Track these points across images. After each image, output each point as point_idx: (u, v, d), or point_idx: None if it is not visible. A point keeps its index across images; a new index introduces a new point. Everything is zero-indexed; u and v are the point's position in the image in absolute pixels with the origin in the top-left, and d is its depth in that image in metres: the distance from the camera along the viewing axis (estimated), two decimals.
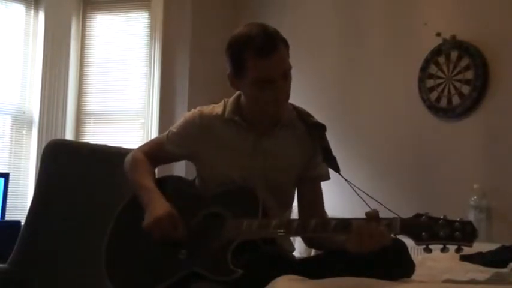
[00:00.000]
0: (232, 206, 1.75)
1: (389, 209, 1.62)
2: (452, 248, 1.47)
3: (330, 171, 1.91)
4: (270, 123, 1.88)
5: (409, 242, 1.69)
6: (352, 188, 1.74)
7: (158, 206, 1.76)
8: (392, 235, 1.54)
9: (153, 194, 1.82)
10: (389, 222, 1.52)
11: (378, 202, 1.65)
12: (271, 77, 1.73)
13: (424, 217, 1.49)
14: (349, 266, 1.56)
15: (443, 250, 1.46)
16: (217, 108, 1.92)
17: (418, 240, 1.48)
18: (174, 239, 1.73)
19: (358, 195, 1.72)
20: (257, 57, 1.72)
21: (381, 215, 1.55)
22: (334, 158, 1.87)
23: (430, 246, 1.48)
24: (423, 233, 1.47)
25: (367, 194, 1.70)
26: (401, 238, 1.56)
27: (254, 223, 1.68)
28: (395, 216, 1.53)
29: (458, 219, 1.46)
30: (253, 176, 1.83)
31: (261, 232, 1.68)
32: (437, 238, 1.46)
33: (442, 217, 1.48)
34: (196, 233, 1.75)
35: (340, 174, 1.83)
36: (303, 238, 1.90)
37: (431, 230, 1.47)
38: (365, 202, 1.63)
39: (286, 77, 1.77)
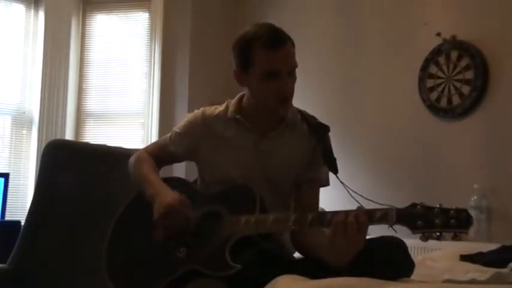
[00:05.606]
0: (230, 203, 1.76)
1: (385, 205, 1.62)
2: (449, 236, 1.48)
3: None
4: (272, 123, 1.89)
5: (409, 241, 1.70)
6: (348, 192, 1.74)
7: (167, 194, 1.76)
8: (391, 230, 1.55)
9: (158, 185, 1.82)
10: (385, 212, 1.53)
11: (375, 202, 1.65)
12: (278, 70, 1.77)
13: (419, 206, 1.51)
14: (349, 266, 1.56)
15: (440, 238, 1.47)
16: (220, 108, 1.94)
17: (413, 229, 1.49)
18: (184, 230, 1.72)
19: (353, 198, 1.72)
20: (265, 49, 1.76)
21: None
22: (334, 159, 1.88)
23: (426, 235, 1.48)
24: (418, 222, 1.48)
25: (364, 197, 1.70)
26: (397, 228, 1.55)
27: (252, 219, 1.69)
28: (391, 206, 1.54)
29: (453, 207, 1.47)
30: (253, 176, 1.83)
31: (258, 227, 1.68)
32: (433, 226, 1.47)
33: (437, 206, 1.49)
34: (195, 231, 1.75)
35: (337, 176, 1.83)
36: (290, 235, 1.88)
37: (426, 218, 1.48)
38: (361, 205, 1.63)
39: (291, 74, 1.81)
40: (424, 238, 1.48)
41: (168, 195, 1.76)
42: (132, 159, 1.99)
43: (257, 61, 1.78)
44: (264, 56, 1.77)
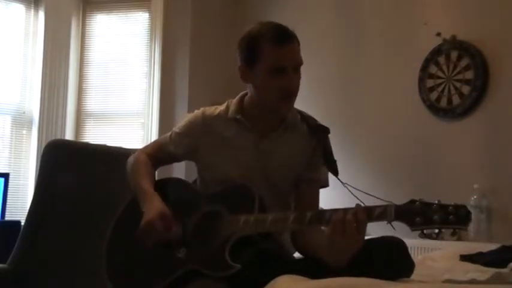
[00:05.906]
0: (230, 203, 1.76)
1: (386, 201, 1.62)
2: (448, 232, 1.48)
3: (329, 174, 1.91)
4: (273, 123, 1.89)
5: (409, 241, 1.70)
6: (350, 191, 1.74)
7: (151, 209, 1.77)
8: (391, 229, 1.55)
9: (148, 196, 1.82)
10: (384, 209, 1.53)
11: (377, 198, 1.65)
12: (284, 66, 1.78)
13: (417, 202, 1.51)
14: (349, 266, 1.56)
15: (439, 234, 1.47)
16: (220, 108, 1.94)
17: (412, 225, 1.49)
18: (166, 241, 1.74)
19: (356, 197, 1.72)
20: (272, 44, 1.77)
21: None
22: (335, 161, 1.88)
23: (425, 232, 1.49)
24: (417, 218, 1.48)
25: (365, 193, 1.71)
26: (397, 227, 1.55)
27: (251, 219, 1.69)
28: (390, 203, 1.54)
29: (452, 203, 1.46)
30: (253, 176, 1.84)
31: (257, 227, 1.68)
32: (432, 222, 1.47)
33: (436, 202, 1.49)
34: (195, 232, 1.76)
35: (338, 178, 1.83)
36: (291, 236, 1.88)
37: (425, 215, 1.48)
38: (363, 203, 1.63)
39: (297, 70, 1.81)
40: (423, 235, 1.49)
41: (150, 211, 1.75)
42: (130, 160, 1.99)
43: (263, 56, 1.78)
44: (271, 52, 1.78)
